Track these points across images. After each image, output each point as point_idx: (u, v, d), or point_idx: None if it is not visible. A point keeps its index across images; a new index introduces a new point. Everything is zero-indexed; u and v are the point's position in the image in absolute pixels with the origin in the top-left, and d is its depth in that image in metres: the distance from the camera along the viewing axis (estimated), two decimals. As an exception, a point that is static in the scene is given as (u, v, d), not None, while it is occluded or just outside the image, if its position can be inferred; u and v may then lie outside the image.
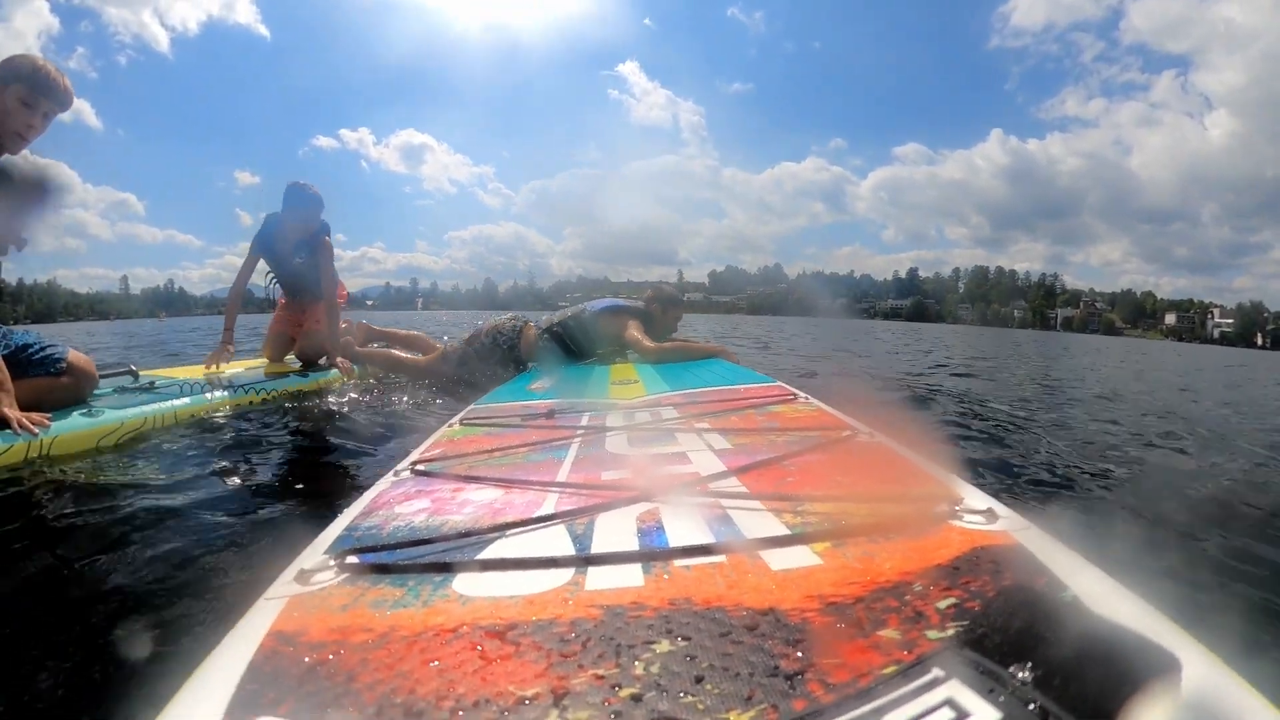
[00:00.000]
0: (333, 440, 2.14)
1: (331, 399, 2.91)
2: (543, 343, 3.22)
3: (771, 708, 0.41)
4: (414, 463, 1.10)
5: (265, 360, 3.63)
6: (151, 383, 2.61)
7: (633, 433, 1.32)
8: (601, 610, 0.54)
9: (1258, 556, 1.44)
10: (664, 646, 0.48)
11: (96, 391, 2.28)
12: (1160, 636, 0.44)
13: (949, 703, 0.39)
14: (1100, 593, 0.51)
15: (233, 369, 3.22)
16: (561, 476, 1.01)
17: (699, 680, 0.44)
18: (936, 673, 0.42)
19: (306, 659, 0.49)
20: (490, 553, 0.68)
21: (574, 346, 3.22)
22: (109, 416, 2.04)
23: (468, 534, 0.73)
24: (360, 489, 1.24)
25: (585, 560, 0.64)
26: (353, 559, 0.67)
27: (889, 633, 0.48)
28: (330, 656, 0.49)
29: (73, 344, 2.16)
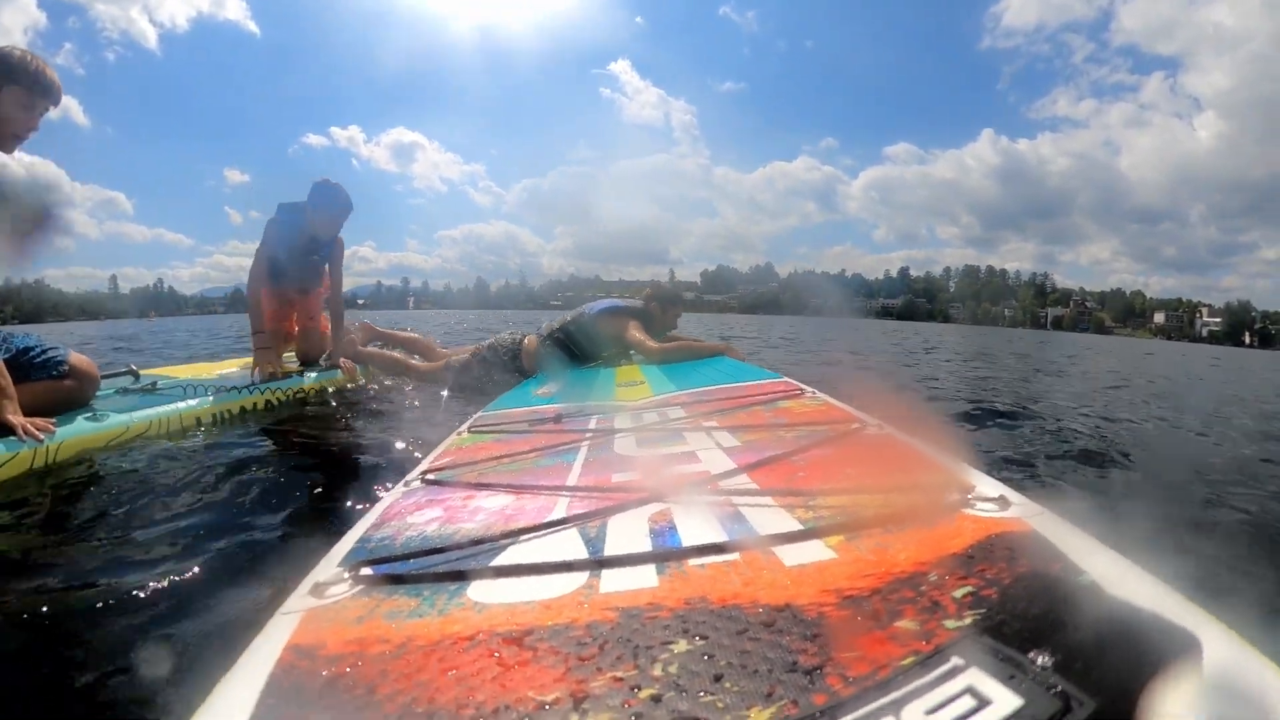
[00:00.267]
0: (340, 449, 2.14)
1: (335, 403, 2.90)
2: (545, 349, 3.22)
3: (791, 703, 0.41)
4: (424, 472, 1.10)
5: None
6: (153, 383, 2.58)
7: (641, 434, 1.32)
8: (617, 612, 0.54)
9: (1275, 530, 1.43)
10: (681, 646, 0.48)
11: (98, 393, 2.25)
12: (1179, 616, 0.44)
13: (969, 691, 0.39)
14: (1117, 575, 0.51)
15: (231, 369, 3.18)
16: (572, 480, 1.01)
17: (718, 679, 0.44)
18: (956, 661, 0.42)
19: (325, 672, 0.49)
20: (504, 559, 0.68)
21: (577, 350, 3.21)
22: (113, 421, 2.02)
23: (480, 541, 0.73)
24: (370, 499, 1.24)
25: (599, 563, 0.64)
26: (367, 570, 0.67)
27: (906, 624, 0.48)
28: (348, 669, 0.49)
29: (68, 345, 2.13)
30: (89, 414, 2.01)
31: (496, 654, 0.49)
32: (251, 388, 2.70)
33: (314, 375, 3.12)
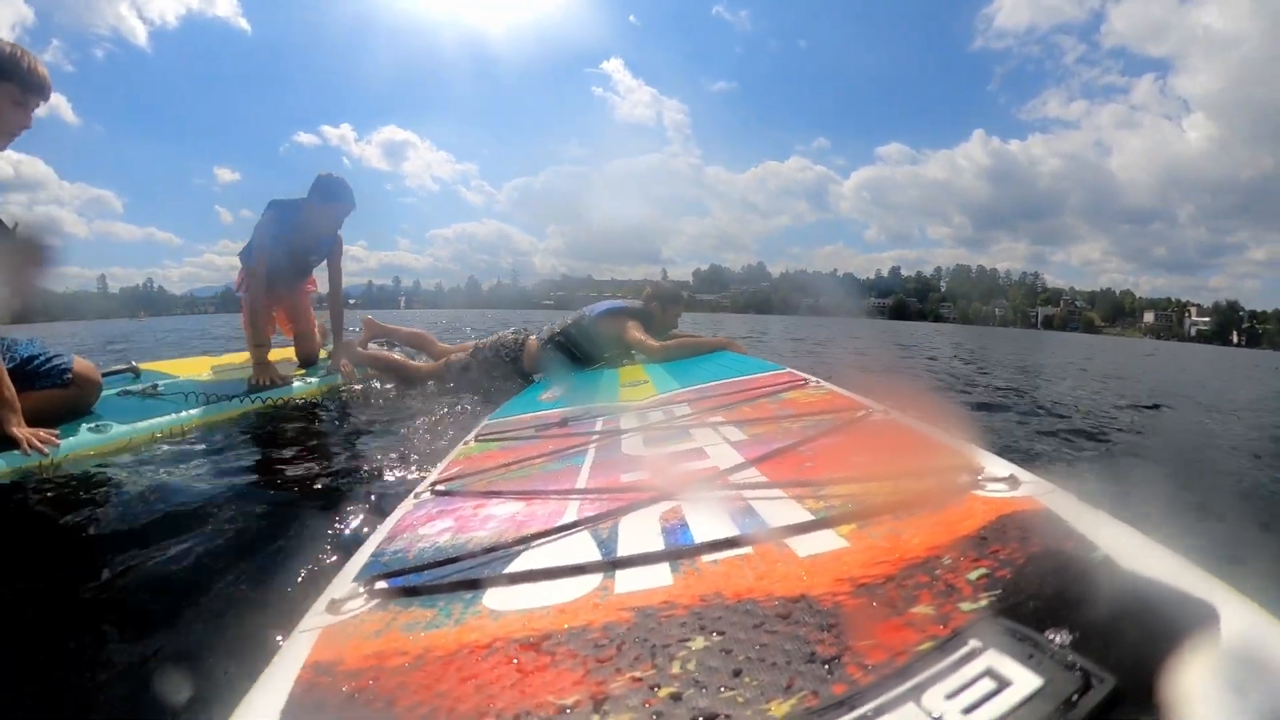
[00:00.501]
0: (348, 462, 2.12)
1: (340, 412, 2.87)
2: (546, 352, 3.22)
3: (812, 694, 0.41)
4: (433, 483, 1.10)
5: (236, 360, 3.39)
6: (155, 385, 2.55)
7: (648, 433, 1.32)
8: (633, 612, 0.54)
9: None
10: (699, 643, 0.48)
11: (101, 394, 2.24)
12: (1196, 588, 0.43)
13: (989, 673, 0.39)
14: (1131, 549, 0.50)
15: (228, 363, 3.14)
16: (581, 483, 1.01)
17: (737, 673, 0.44)
18: (974, 644, 0.42)
19: (345, 688, 0.49)
20: (517, 565, 0.69)
21: (579, 354, 3.21)
22: (116, 432, 2.02)
23: (493, 549, 0.73)
24: (381, 512, 1.24)
25: (612, 564, 0.64)
26: (382, 584, 0.67)
27: (922, 609, 0.48)
28: (368, 683, 0.49)
29: (55, 345, 2.10)
30: (92, 424, 2.00)
31: (514, 660, 0.50)
32: (254, 396, 2.67)
33: (315, 380, 3.08)
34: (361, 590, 0.66)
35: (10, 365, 1.86)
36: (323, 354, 3.56)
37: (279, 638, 0.60)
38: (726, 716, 0.40)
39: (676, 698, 0.42)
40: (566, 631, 0.53)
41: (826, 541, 0.63)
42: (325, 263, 3.38)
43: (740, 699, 0.41)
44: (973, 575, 0.51)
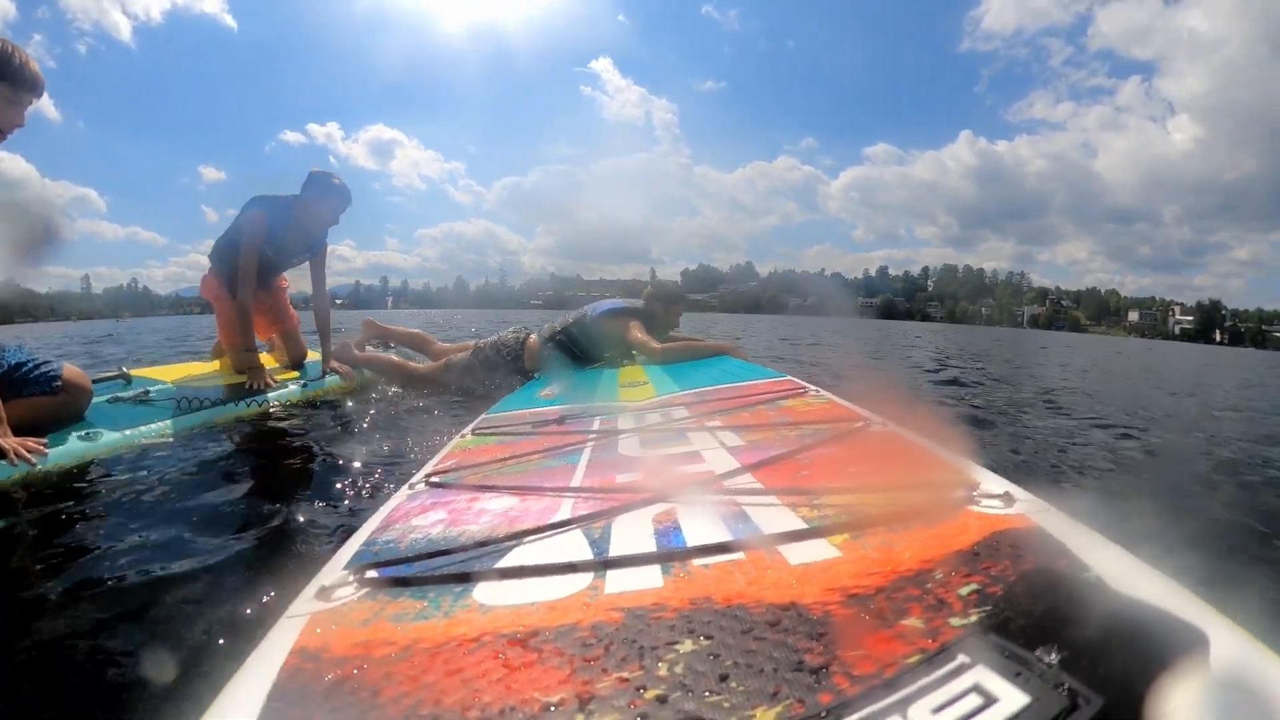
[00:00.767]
0: (344, 453, 2.12)
1: (336, 409, 2.83)
2: (547, 350, 3.22)
3: (798, 702, 0.41)
4: (428, 475, 1.10)
5: (226, 364, 3.20)
6: (145, 391, 2.46)
7: (645, 434, 1.32)
8: (622, 613, 0.54)
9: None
10: (687, 646, 0.48)
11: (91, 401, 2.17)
12: (1186, 613, 0.43)
13: (976, 689, 0.39)
14: (1123, 571, 0.50)
15: (215, 376, 3.01)
16: (576, 481, 1.01)
17: (724, 679, 0.44)
18: (962, 659, 0.42)
19: (330, 675, 0.49)
20: (509, 561, 0.69)
21: (579, 352, 3.21)
22: (107, 440, 1.95)
23: (485, 543, 0.73)
24: (374, 502, 1.24)
25: (604, 564, 0.64)
26: (372, 573, 0.67)
27: (912, 622, 0.48)
28: (354, 672, 0.49)
29: (39, 347, 2.05)
30: (82, 432, 1.94)
31: (502, 655, 0.49)
32: (248, 400, 2.61)
33: (310, 383, 3.02)
34: (351, 578, 0.66)
35: None
36: (313, 355, 3.45)
37: (268, 623, 0.59)
38: (711, 721, 0.40)
39: (662, 700, 0.42)
40: (555, 629, 0.53)
41: (819, 550, 0.62)
42: (297, 265, 3.26)
43: (726, 704, 0.41)
44: (964, 590, 0.51)
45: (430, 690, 0.46)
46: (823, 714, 0.40)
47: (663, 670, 0.45)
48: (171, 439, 2.14)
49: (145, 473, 1.80)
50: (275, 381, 2.85)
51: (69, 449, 1.83)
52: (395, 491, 1.05)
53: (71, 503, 1.55)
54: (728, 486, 0.87)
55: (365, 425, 2.55)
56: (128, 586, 1.12)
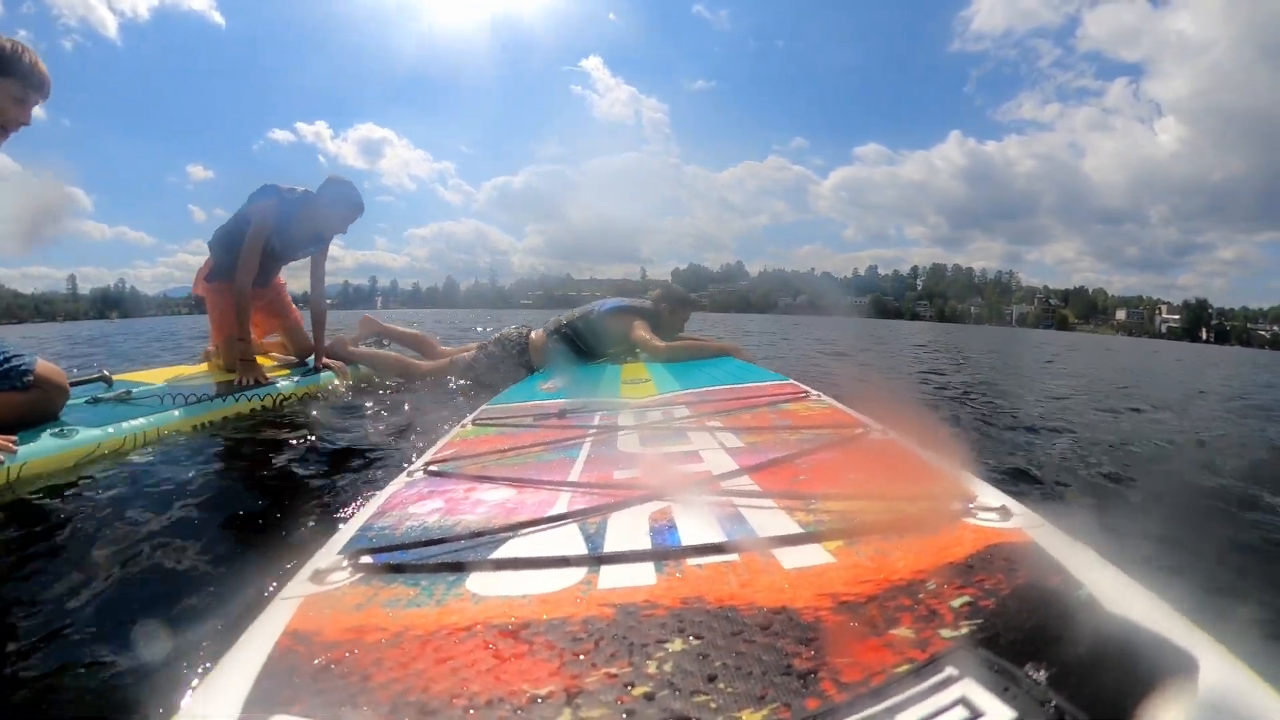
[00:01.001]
0: (343, 440, 2.12)
1: (331, 402, 2.78)
2: (552, 343, 3.23)
3: (784, 706, 0.41)
4: (427, 463, 1.10)
5: (218, 365, 3.10)
6: (128, 391, 2.30)
7: (645, 432, 1.32)
8: (614, 609, 0.54)
9: (1277, 551, 1.42)
10: (677, 645, 0.48)
11: (69, 402, 2.03)
12: (1177, 635, 0.43)
13: (962, 701, 0.39)
14: (1116, 591, 0.50)
15: (201, 377, 2.86)
16: (574, 476, 1.01)
17: (712, 679, 0.44)
18: (950, 671, 0.42)
19: (321, 658, 0.49)
20: (503, 552, 0.69)
21: (583, 346, 3.22)
22: (84, 437, 1.81)
23: (481, 534, 0.74)
24: (372, 490, 1.25)
25: (598, 559, 0.65)
26: (367, 559, 0.67)
27: (902, 631, 0.48)
28: (345, 655, 0.49)
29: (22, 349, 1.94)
30: (56, 429, 1.80)
31: (492, 646, 0.50)
32: (237, 396, 2.48)
33: (300, 380, 2.90)
34: (346, 563, 0.66)
35: None
36: None
37: (262, 604, 0.60)
38: (697, 721, 0.40)
39: (650, 697, 0.42)
40: (546, 622, 0.53)
41: (813, 555, 0.63)
42: (299, 260, 3.22)
43: (713, 705, 0.41)
44: (956, 603, 0.51)
45: (419, 677, 0.46)
46: (809, 719, 0.40)
47: (651, 668, 0.46)
48: (157, 436, 2.03)
49: (134, 464, 1.77)
50: (267, 379, 2.75)
51: (41, 446, 1.70)
52: (393, 479, 1.05)
53: (57, 499, 1.53)
54: (725, 487, 0.87)
55: (364, 415, 2.54)
56: (121, 562, 1.13)
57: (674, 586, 0.58)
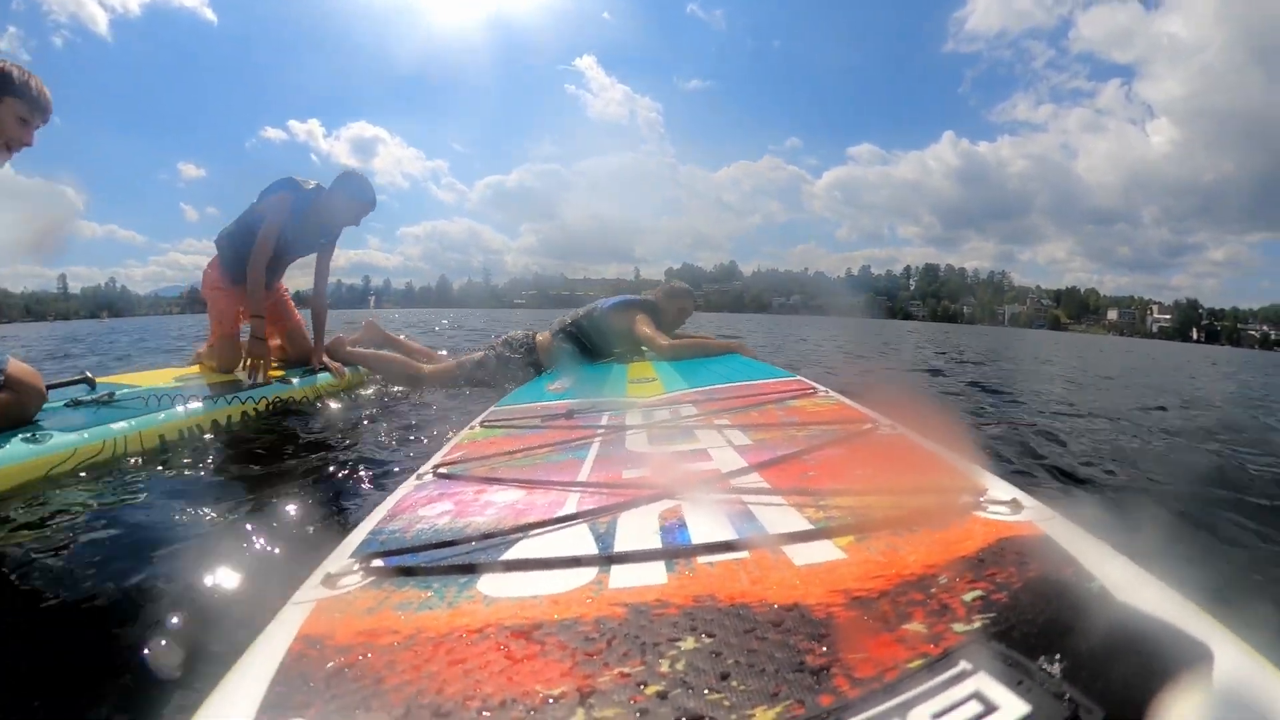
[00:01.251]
0: (351, 443, 2.11)
1: (335, 404, 2.77)
2: (558, 343, 3.24)
3: (797, 703, 0.41)
4: (436, 465, 1.11)
5: (210, 366, 3.02)
6: (111, 394, 2.17)
7: (653, 431, 1.32)
8: (625, 608, 0.54)
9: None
10: (689, 644, 0.48)
11: (46, 405, 1.93)
12: (1191, 626, 0.43)
13: (976, 696, 0.39)
14: (1129, 582, 0.50)
15: (193, 378, 2.76)
16: (583, 476, 1.02)
17: (724, 677, 0.44)
18: (964, 666, 0.42)
19: (334, 662, 0.49)
20: (514, 553, 0.69)
21: (589, 345, 3.23)
22: (58, 441, 1.68)
23: (491, 535, 0.74)
24: (381, 493, 1.25)
25: (608, 559, 0.65)
26: (378, 562, 0.67)
27: (914, 626, 0.48)
28: (358, 659, 0.50)
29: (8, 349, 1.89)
30: (28, 434, 1.67)
31: (504, 647, 0.50)
32: (229, 399, 2.37)
33: (297, 381, 2.84)
34: (357, 567, 0.66)
35: None
36: None
37: (273, 609, 0.60)
38: (711, 719, 0.40)
39: (663, 696, 0.42)
40: (558, 623, 0.53)
41: (824, 552, 0.62)
42: (306, 256, 3.20)
43: (726, 703, 0.41)
44: (968, 596, 0.51)
45: (433, 679, 0.46)
46: (822, 715, 0.40)
47: (664, 667, 0.46)
48: (137, 446, 1.89)
49: (132, 469, 1.77)
50: (264, 379, 2.74)
51: (11, 451, 1.58)
52: (403, 482, 1.06)
53: (68, 489, 1.55)
54: (734, 485, 0.87)
55: (370, 418, 2.54)
56: (132, 568, 1.13)
57: (685, 585, 0.58)
